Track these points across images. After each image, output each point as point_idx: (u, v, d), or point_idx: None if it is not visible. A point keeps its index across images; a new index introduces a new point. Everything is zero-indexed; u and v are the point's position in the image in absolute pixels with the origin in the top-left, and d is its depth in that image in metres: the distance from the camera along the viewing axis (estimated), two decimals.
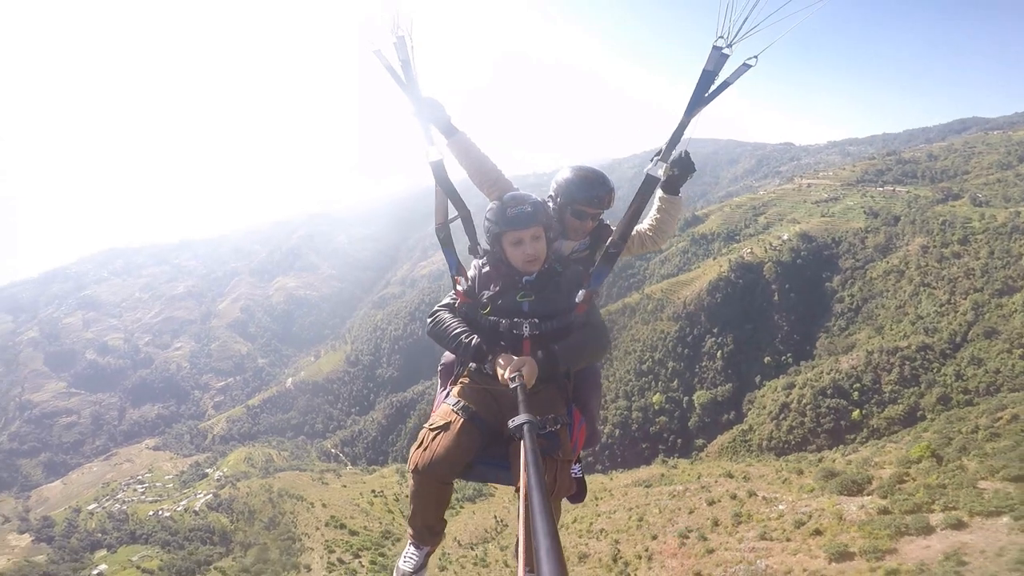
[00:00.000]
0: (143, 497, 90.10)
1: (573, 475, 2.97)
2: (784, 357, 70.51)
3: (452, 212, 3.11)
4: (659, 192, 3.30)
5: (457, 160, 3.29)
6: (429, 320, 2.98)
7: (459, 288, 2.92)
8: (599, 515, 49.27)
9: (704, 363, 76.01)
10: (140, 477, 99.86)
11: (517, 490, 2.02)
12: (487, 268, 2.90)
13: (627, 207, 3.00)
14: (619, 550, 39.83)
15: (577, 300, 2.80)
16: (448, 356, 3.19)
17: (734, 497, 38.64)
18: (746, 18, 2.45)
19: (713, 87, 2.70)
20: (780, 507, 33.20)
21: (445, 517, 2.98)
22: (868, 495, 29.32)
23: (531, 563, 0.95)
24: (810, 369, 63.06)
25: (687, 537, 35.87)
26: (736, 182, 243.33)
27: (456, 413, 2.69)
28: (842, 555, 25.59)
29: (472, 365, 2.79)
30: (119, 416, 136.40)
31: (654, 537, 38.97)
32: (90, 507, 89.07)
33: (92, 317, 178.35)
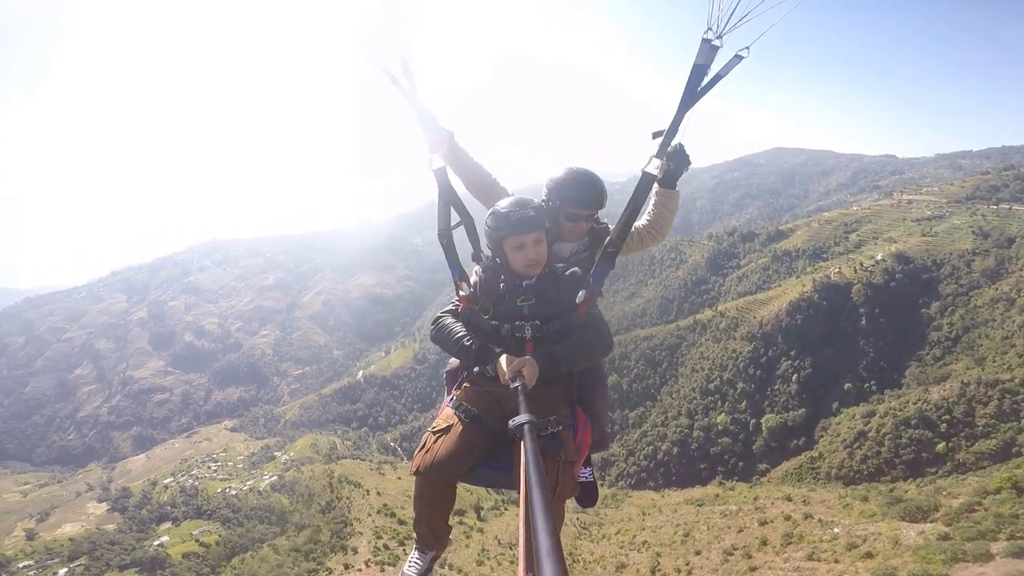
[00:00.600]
0: (215, 475, 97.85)
1: (583, 478, 3.07)
2: (867, 385, 65.39)
3: (454, 219, 3.15)
4: (655, 186, 3.29)
5: (454, 171, 3.34)
6: (432, 326, 3.03)
7: (462, 294, 2.98)
8: (644, 528, 48.60)
9: (777, 386, 72.34)
10: (215, 456, 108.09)
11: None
12: (488, 273, 2.95)
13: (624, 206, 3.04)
14: (659, 563, 39.26)
15: (577, 301, 2.85)
16: (454, 362, 3.22)
17: (788, 518, 36.98)
18: (734, 8, 2.45)
19: (705, 81, 2.72)
20: (835, 530, 31.53)
21: (450, 523, 3.02)
22: (932, 522, 27.25)
23: (531, 563, 0.95)
24: (895, 398, 58.20)
25: (731, 554, 34.89)
26: (827, 196, 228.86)
27: (458, 416, 2.75)
28: None
29: (475, 368, 2.82)
30: (205, 396, 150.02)
31: (697, 552, 38.10)
32: (166, 481, 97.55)
33: (193, 302, 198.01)
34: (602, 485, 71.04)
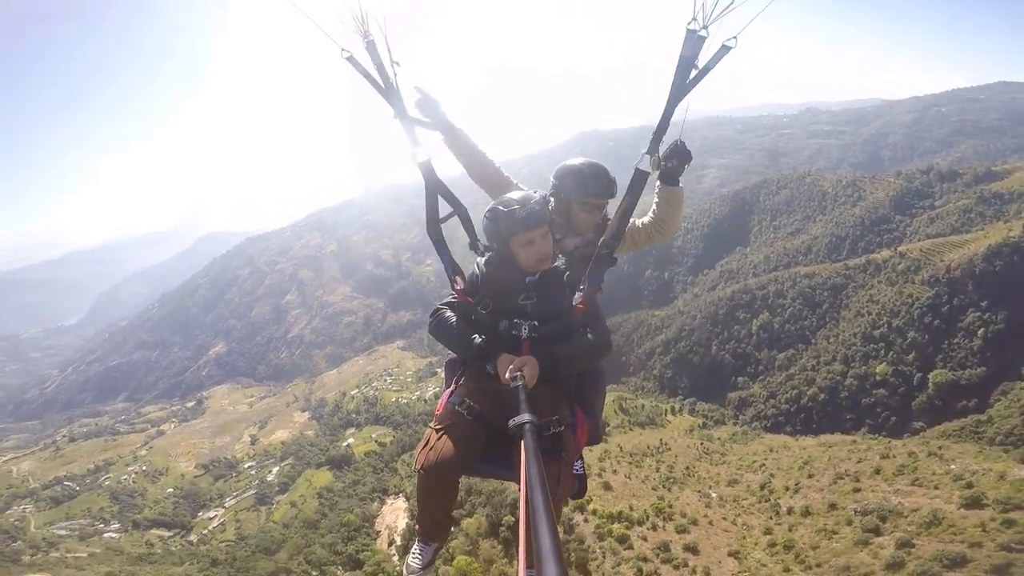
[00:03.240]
0: (389, 387, 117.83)
1: (575, 471, 3.04)
2: None
3: (444, 211, 3.20)
4: (658, 184, 3.34)
5: (455, 157, 3.48)
6: (431, 318, 3.12)
7: (458, 287, 3.06)
8: (768, 459, 51.63)
9: (957, 339, 65.90)
10: (390, 371, 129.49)
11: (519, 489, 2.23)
12: (490, 267, 3.02)
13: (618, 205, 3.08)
14: (771, 482, 43.05)
15: (575, 302, 2.92)
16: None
17: (911, 454, 37.87)
18: None
19: (693, 74, 2.70)
20: (951, 466, 32.53)
21: (453, 515, 3.13)
22: None
23: (531, 561, 1.00)
24: None
25: (842, 479, 37.57)
26: None
27: (460, 413, 2.85)
28: (974, 502, 26.18)
29: (476, 365, 2.88)
30: (382, 318, 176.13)
31: (810, 476, 41.10)
32: (352, 392, 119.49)
33: (371, 237, 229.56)
34: (735, 424, 73.68)
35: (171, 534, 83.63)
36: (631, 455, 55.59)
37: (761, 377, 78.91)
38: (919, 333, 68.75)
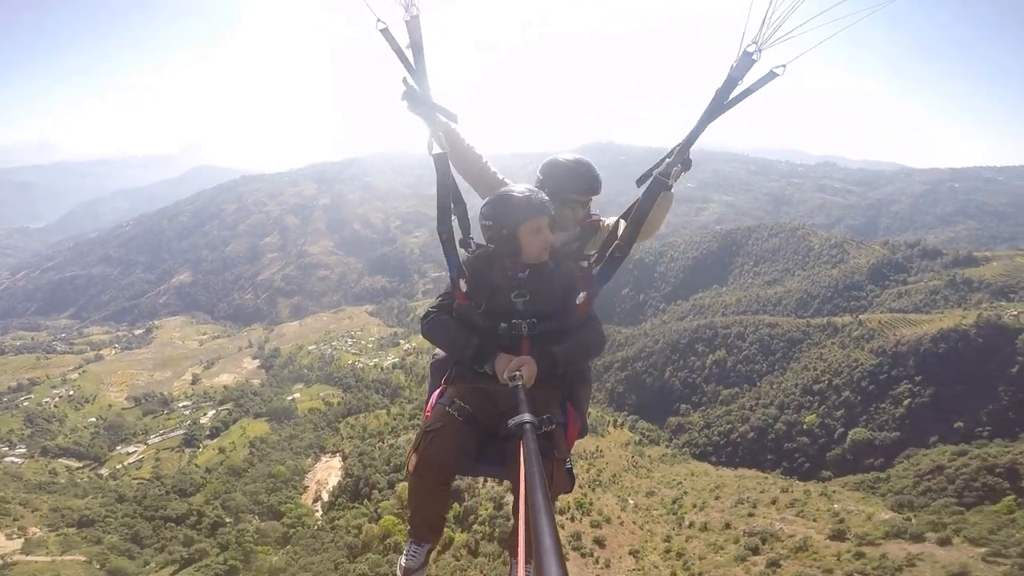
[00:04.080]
0: (349, 348, 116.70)
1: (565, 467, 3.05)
2: (981, 429, 62.33)
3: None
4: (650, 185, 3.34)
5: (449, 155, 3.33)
6: (424, 321, 3.15)
7: (462, 290, 3.04)
8: (685, 479, 55.65)
9: (883, 405, 70.53)
10: (353, 333, 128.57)
11: (513, 487, 2.31)
12: (480, 263, 3.08)
13: (630, 208, 3.18)
14: (683, 497, 47.03)
15: (578, 302, 3.01)
16: (440, 352, 3.34)
17: (806, 491, 42.29)
18: (780, 22, 2.42)
19: (734, 93, 2.73)
20: (835, 505, 36.83)
21: (446, 515, 3.16)
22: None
23: (529, 557, 1.05)
24: (1000, 447, 55.60)
25: (742, 503, 41.74)
26: None
27: (451, 415, 2.82)
28: (838, 535, 30.32)
29: (472, 366, 2.92)
30: (357, 279, 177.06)
31: (717, 498, 45.15)
32: (310, 347, 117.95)
33: (366, 198, 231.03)
34: (667, 447, 77.60)
35: (80, 465, 79.59)
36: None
37: (703, 408, 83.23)
38: (853, 394, 73.34)
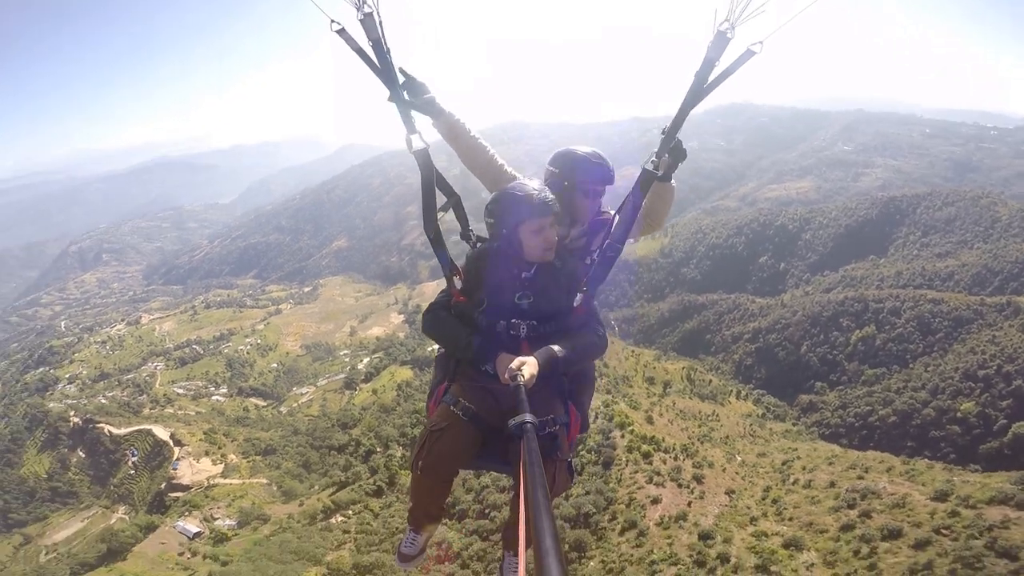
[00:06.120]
0: None
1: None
2: None
3: (440, 203, 3.16)
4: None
5: (448, 143, 3.50)
6: (425, 318, 3.22)
7: (456, 286, 3.13)
8: (805, 454, 54.88)
9: None
10: None
11: (514, 486, 2.32)
12: (482, 261, 3.09)
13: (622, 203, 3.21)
14: (795, 461, 47.78)
15: (575, 303, 3.03)
16: None
17: (929, 467, 41.15)
18: None
19: (712, 76, 2.68)
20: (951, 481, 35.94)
21: (444, 506, 3.29)
22: None
23: (529, 541, 1.10)
24: None
25: (854, 468, 41.79)
26: None
27: (456, 413, 2.87)
28: (942, 496, 30.85)
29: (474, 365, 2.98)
30: None
31: (830, 463, 45.30)
32: None
33: None
34: (793, 424, 74.81)
35: (265, 404, 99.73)
36: (681, 412, 61.23)
37: (840, 387, 78.65)
38: None
